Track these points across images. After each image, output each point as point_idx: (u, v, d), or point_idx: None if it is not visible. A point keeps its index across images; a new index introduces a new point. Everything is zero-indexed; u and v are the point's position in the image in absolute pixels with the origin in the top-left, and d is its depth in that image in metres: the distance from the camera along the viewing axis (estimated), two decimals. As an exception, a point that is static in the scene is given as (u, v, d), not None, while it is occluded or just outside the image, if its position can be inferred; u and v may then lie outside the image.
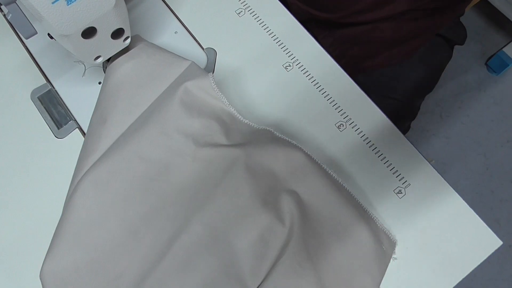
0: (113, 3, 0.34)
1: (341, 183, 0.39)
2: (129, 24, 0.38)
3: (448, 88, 1.20)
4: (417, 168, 0.41)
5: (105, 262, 0.35)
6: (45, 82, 0.45)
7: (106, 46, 0.38)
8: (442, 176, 0.41)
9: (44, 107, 0.44)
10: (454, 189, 0.41)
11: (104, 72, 0.44)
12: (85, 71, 0.45)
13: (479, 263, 0.38)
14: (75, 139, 0.43)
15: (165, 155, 0.38)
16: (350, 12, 0.57)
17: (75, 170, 0.39)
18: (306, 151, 0.39)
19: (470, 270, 0.38)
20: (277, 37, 0.47)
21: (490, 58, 1.21)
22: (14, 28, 0.48)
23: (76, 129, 0.43)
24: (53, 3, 0.31)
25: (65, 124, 0.43)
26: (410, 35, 0.60)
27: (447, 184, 0.41)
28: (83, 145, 0.40)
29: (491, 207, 1.09)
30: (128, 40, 0.39)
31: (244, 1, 0.49)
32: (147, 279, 0.35)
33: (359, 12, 0.57)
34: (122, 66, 0.40)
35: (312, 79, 0.45)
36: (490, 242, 0.39)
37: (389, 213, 0.40)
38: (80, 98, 0.44)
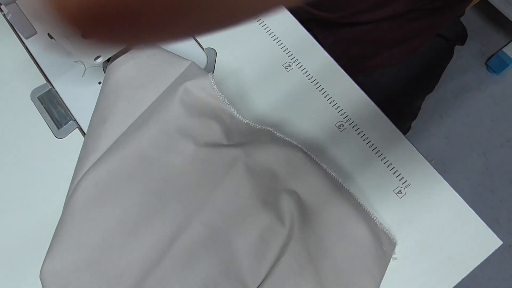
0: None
1: (341, 183, 0.39)
2: (129, 24, 0.38)
3: (448, 88, 1.19)
4: (417, 168, 0.41)
5: (105, 261, 0.35)
6: (45, 82, 0.45)
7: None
8: (442, 176, 0.41)
9: (44, 107, 0.44)
10: (454, 189, 0.41)
11: (104, 72, 0.44)
12: (85, 71, 0.45)
13: (479, 263, 0.38)
14: (75, 139, 0.43)
15: (165, 155, 0.38)
16: (350, 12, 0.57)
17: (75, 170, 0.39)
18: (306, 151, 0.39)
19: (470, 270, 0.38)
20: (277, 37, 0.47)
21: (490, 58, 1.21)
22: (14, 28, 0.48)
23: (76, 129, 0.43)
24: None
25: (65, 124, 0.43)
26: (410, 35, 0.60)
27: (447, 184, 0.41)
28: (83, 145, 0.40)
29: (491, 207, 1.09)
30: (128, 40, 0.39)
31: (244, 1, 0.49)
32: (147, 278, 0.35)
33: (359, 12, 0.57)
34: (122, 66, 0.40)
35: (312, 79, 0.45)
36: (490, 242, 0.39)
37: (389, 213, 0.40)
38: (80, 98, 0.44)
